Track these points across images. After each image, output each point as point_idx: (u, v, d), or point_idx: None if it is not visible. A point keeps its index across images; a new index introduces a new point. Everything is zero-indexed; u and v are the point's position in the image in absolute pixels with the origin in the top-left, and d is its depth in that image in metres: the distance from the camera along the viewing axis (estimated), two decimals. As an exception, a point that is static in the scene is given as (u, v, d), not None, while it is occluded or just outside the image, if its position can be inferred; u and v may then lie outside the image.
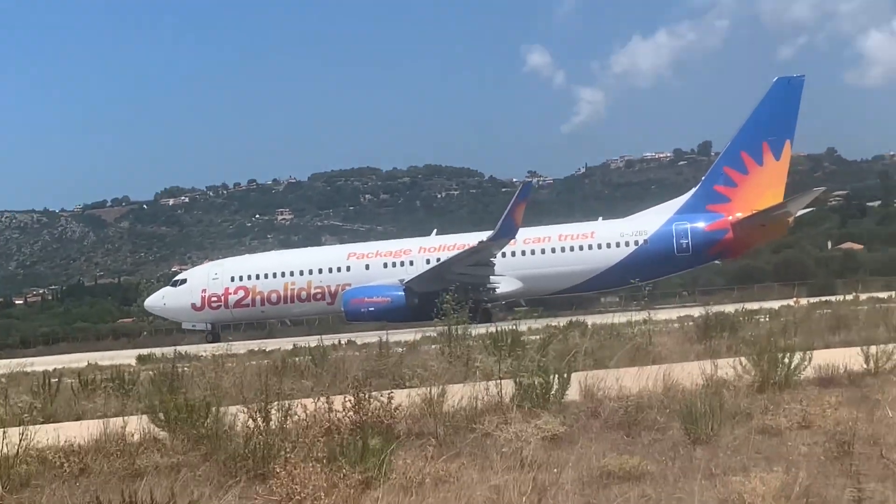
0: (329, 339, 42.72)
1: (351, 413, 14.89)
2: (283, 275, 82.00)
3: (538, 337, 29.14)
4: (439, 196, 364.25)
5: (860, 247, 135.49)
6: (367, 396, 15.15)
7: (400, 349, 33.75)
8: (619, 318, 33.62)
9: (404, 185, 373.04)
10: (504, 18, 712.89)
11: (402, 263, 79.77)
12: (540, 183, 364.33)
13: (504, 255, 78.45)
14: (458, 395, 17.13)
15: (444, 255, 78.61)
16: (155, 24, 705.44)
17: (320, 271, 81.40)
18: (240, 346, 46.30)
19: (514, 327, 28.54)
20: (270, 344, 52.06)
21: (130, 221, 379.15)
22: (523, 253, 79.36)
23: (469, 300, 75.32)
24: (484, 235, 78.97)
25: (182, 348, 49.45)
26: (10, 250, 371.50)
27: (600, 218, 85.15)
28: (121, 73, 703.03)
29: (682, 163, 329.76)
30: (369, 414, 14.94)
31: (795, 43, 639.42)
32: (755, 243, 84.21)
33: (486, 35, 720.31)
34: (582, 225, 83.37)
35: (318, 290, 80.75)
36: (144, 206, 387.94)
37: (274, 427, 14.24)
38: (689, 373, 18.28)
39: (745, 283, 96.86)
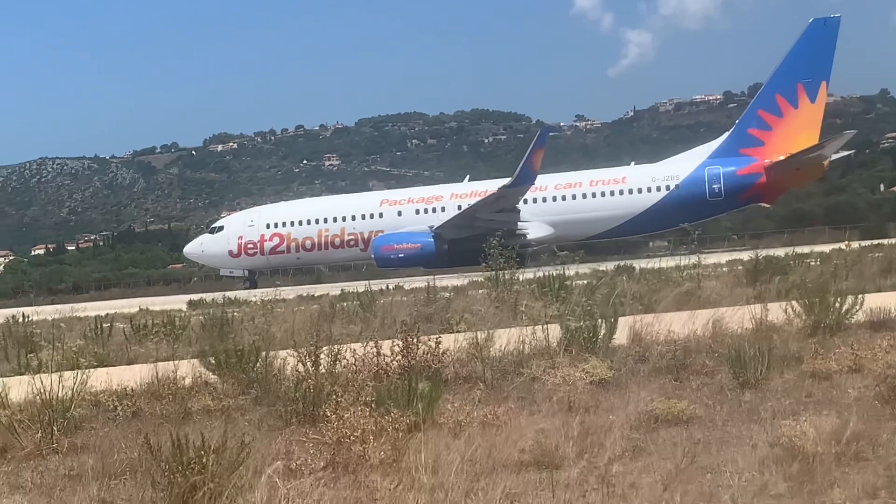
0: (377, 285, 42.89)
1: (399, 357, 14.96)
2: (316, 222, 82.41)
3: (585, 282, 29.11)
4: (486, 141, 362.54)
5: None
6: (415, 341, 15.20)
7: (447, 294, 33.84)
8: (667, 262, 33.49)
9: (451, 129, 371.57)
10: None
11: (434, 210, 79.83)
12: (588, 127, 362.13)
13: (535, 200, 78.60)
14: (505, 339, 17.17)
15: (476, 202, 78.27)
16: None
17: (353, 218, 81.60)
18: (289, 292, 46.62)
19: (562, 272, 28.50)
20: (319, 289, 52.30)
21: (180, 168, 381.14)
22: (554, 199, 79.28)
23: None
24: None
25: (232, 293, 49.88)
26: (62, 197, 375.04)
27: (632, 162, 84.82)
28: (169, 20, 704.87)
29: (731, 105, 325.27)
30: (417, 358, 15.00)
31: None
32: (789, 187, 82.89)
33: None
34: (614, 170, 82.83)
35: (352, 237, 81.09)
36: (193, 152, 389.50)
37: (323, 371, 14.34)
38: (739, 317, 18.17)
39: (795, 227, 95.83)
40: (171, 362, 17.63)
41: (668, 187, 76.72)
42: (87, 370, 14.71)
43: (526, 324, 18.94)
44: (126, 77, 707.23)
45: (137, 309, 41.77)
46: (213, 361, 16.78)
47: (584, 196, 78.82)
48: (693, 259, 32.37)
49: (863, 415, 11.32)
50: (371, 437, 10.65)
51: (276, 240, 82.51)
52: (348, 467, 10.48)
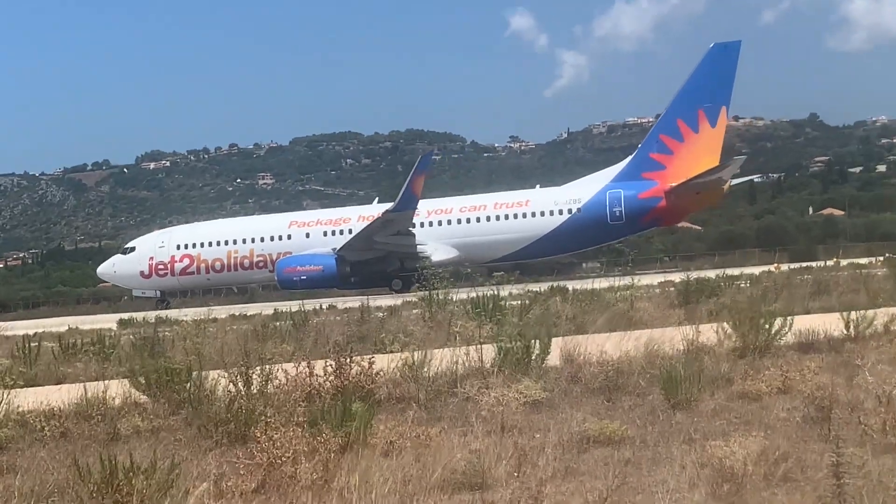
0: (310, 304, 42.70)
1: (332, 378, 14.89)
2: (226, 243, 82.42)
3: (519, 302, 29.20)
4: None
5: (841, 212, 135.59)
6: (348, 361, 15.14)
7: (381, 314, 33.77)
8: (600, 283, 33.69)
9: (386, 149, 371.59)
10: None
11: (342, 232, 79.65)
12: (522, 148, 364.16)
13: (440, 223, 79.25)
14: (438, 359, 17.15)
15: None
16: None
17: (262, 239, 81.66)
18: (221, 311, 46.27)
19: (495, 292, 28.55)
20: (251, 308, 52.03)
21: (111, 185, 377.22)
22: (458, 221, 79.66)
23: (398, 268, 77.28)
24: (424, 204, 79.63)
25: (163, 313, 49.37)
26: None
27: (538, 185, 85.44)
28: (102, 36, 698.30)
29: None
30: (350, 379, 14.94)
31: (778, 7, 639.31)
32: (690, 211, 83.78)
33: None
34: (518, 193, 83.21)
35: (261, 259, 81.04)
36: (125, 169, 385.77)
37: (255, 391, 14.24)
38: (671, 338, 18.34)
39: (726, 249, 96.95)
40: (100, 382, 17.41)
41: (570, 210, 77.11)
42: (13, 390, 14.47)
43: (460, 344, 18.95)
44: (56, 93, 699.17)
45: (66, 328, 41.22)
46: (144, 381, 16.59)
47: (489, 219, 79.09)
48: (626, 280, 32.59)
49: (791, 436, 11.47)
50: (303, 458, 10.59)
51: (187, 261, 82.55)
52: (279, 488, 10.40)
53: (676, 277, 38.29)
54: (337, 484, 10.29)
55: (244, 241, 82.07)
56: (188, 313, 41.23)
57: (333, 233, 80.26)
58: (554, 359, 17.93)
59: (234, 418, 13.27)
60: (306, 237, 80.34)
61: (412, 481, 10.33)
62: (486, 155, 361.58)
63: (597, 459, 11.19)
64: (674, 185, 74.28)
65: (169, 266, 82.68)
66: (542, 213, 77.68)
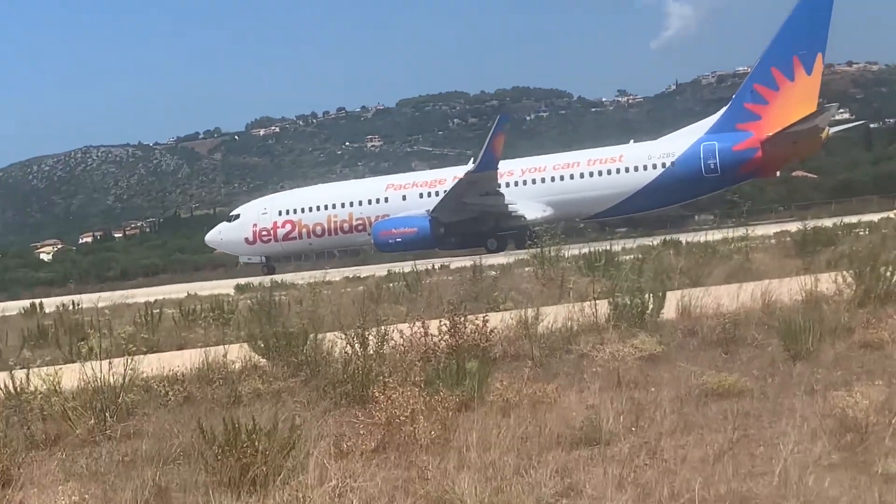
0: (422, 265, 42.93)
1: (447, 337, 14.95)
2: (326, 208, 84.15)
3: (632, 257, 28.98)
4: (528, 118, 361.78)
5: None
6: (462, 320, 15.19)
7: (493, 273, 33.81)
8: (714, 235, 33.22)
9: (492, 108, 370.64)
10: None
11: (438, 193, 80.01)
12: (629, 102, 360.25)
13: (534, 181, 79.38)
14: (552, 316, 17.12)
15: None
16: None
17: (360, 203, 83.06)
18: (335, 273, 46.77)
19: (608, 248, 28.38)
20: (365, 271, 52.46)
21: (223, 153, 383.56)
22: (552, 179, 79.60)
23: (493, 227, 77.62)
24: (519, 163, 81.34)
25: (278, 277, 50.09)
26: (108, 184, 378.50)
27: (631, 140, 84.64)
28: (210, 6, 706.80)
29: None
30: (465, 337, 14.98)
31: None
32: (787, 161, 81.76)
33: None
34: (611, 149, 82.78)
35: (360, 222, 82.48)
36: (236, 137, 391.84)
37: (371, 352, 14.37)
38: (788, 289, 18.01)
39: (842, 197, 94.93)
40: (220, 347, 17.73)
41: (664, 164, 76.49)
42: (137, 356, 14.82)
43: (573, 300, 18.88)
44: (169, 64, 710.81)
45: (185, 294, 42.11)
46: (262, 345, 16.86)
47: (582, 175, 78.97)
48: (740, 231, 32.06)
49: (916, 384, 11.19)
50: (421, 417, 10.67)
51: (289, 227, 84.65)
52: (399, 447, 10.50)
53: (792, 227, 37.58)
54: (455, 442, 10.35)
55: (343, 205, 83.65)
56: (303, 277, 41.76)
57: (429, 194, 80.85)
58: (669, 312, 17.78)
59: (351, 379, 13.41)
60: (402, 199, 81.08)
61: (530, 438, 10.34)
62: (593, 110, 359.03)
63: (715, 413, 11.06)
64: (769, 135, 72.80)
65: (272, 232, 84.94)
66: (636, 169, 77.35)
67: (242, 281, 52.69)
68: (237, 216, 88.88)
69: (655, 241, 42.20)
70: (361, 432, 10.80)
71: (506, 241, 78.30)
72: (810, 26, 72.91)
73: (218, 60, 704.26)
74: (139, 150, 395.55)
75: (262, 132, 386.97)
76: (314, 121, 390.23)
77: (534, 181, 79.51)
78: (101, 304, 34.77)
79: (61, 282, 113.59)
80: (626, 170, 77.59)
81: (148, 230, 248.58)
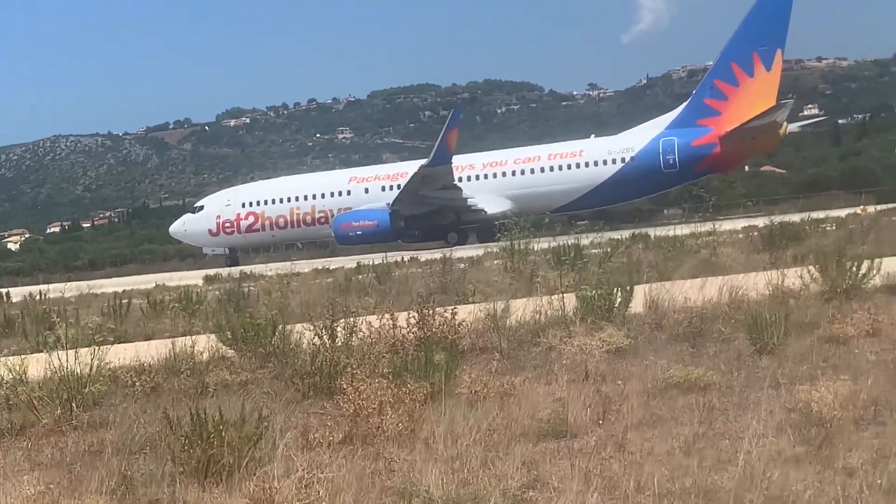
0: (392, 257, 42.89)
1: (415, 329, 14.97)
2: (289, 200, 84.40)
3: (600, 250, 29.06)
4: (499, 111, 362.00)
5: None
6: (430, 312, 15.20)
7: (462, 265, 33.82)
8: (682, 229, 33.39)
9: (463, 100, 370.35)
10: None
11: (400, 187, 79.88)
12: (600, 95, 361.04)
13: (495, 175, 79.84)
14: (521, 309, 17.16)
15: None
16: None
17: (323, 196, 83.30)
18: (304, 265, 46.68)
19: (577, 241, 28.45)
20: (334, 262, 52.39)
21: (193, 143, 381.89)
22: (514, 173, 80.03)
23: (454, 221, 78.27)
24: (479, 157, 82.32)
25: (247, 268, 49.97)
26: (77, 174, 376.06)
27: (592, 135, 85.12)
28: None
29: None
30: (433, 330, 15.00)
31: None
32: (746, 157, 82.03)
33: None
34: (572, 143, 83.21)
35: (322, 215, 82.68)
36: (206, 127, 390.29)
37: (340, 344, 14.36)
38: (755, 283, 18.11)
39: (810, 192, 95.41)
40: (188, 337, 17.68)
41: (623, 160, 76.81)
42: (104, 346, 14.75)
43: (542, 293, 18.92)
44: (139, 53, 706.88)
45: (154, 285, 41.92)
46: (230, 336, 16.82)
47: (542, 170, 79.36)
48: (708, 226, 32.24)
49: (880, 379, 11.29)
50: (388, 409, 10.68)
51: (252, 218, 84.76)
52: (366, 439, 10.51)
53: (760, 222, 37.76)
54: (422, 434, 10.36)
55: (306, 197, 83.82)
56: (272, 268, 41.65)
57: (392, 188, 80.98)
58: (637, 306, 17.84)
59: (319, 371, 13.41)
60: (365, 192, 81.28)
61: (497, 430, 10.36)
62: (564, 104, 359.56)
63: (682, 406, 11.12)
64: (728, 130, 73.11)
65: (235, 224, 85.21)
66: (596, 163, 77.67)
67: (211, 272, 52.48)
68: (201, 208, 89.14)
69: (624, 234, 42.32)
70: (329, 424, 10.80)
71: (466, 235, 78.82)
72: (770, 22, 73.17)
73: (189, 50, 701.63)
74: (109, 140, 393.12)
75: (232, 123, 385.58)
76: (285, 112, 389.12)
77: (494, 175, 79.99)
78: (68, 294, 34.60)
79: (28, 271, 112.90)
80: (586, 164, 77.95)
81: (117, 220, 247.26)
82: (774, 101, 73.02)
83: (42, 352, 16.51)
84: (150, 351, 16.54)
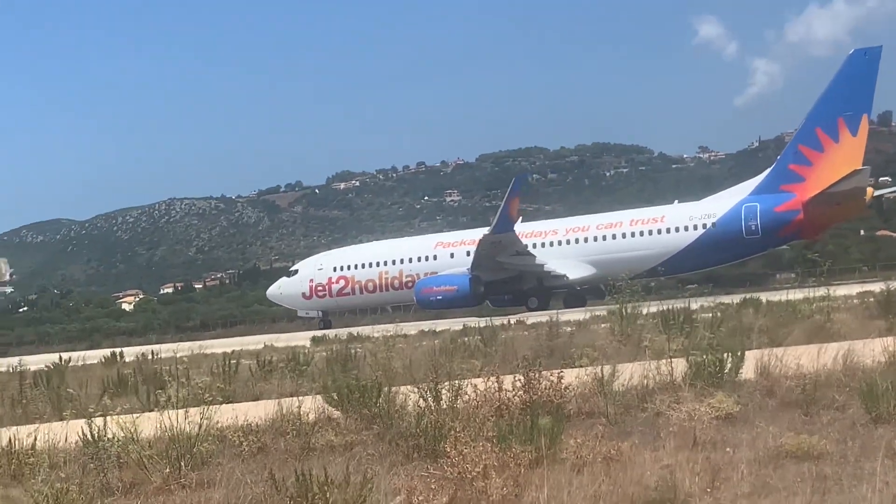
0: (498, 320, 42.82)
1: (521, 392, 14.86)
2: (377, 264, 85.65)
3: (710, 315, 28.65)
4: (608, 174, 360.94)
5: None
6: (536, 376, 15.10)
7: (569, 329, 33.61)
8: (795, 294, 32.75)
9: (572, 163, 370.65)
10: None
11: None
12: (711, 158, 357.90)
13: (577, 241, 79.94)
14: (628, 374, 16.95)
15: (527, 243, 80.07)
16: (322, 12, 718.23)
17: (410, 260, 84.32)
18: (410, 327, 46.84)
19: (686, 305, 28.09)
20: (440, 325, 52.50)
21: (303, 206, 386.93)
22: (595, 238, 79.92)
23: (535, 286, 78.83)
24: (563, 223, 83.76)
25: (355, 329, 50.33)
26: (190, 236, 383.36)
27: (676, 201, 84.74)
28: (295, 63, 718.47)
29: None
30: (539, 393, 14.89)
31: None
32: (831, 223, 79.84)
33: (656, 7, 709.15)
34: (654, 209, 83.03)
35: (409, 279, 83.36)
36: (316, 190, 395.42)
37: (444, 406, 14.33)
38: (871, 350, 17.65)
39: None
40: (295, 398, 17.80)
41: (704, 225, 76.01)
42: (213, 406, 14.93)
43: (650, 358, 18.68)
44: (253, 119, 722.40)
45: (263, 345, 42.40)
46: (336, 397, 16.90)
47: (624, 235, 79.06)
48: (821, 291, 31.56)
49: None
50: (493, 473, 10.59)
51: (342, 282, 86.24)
52: (470, 503, 10.42)
53: (876, 287, 36.88)
54: (527, 499, 10.25)
55: (394, 262, 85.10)
56: (379, 329, 41.88)
57: None
58: (748, 372, 17.50)
59: (423, 433, 13.39)
60: (451, 257, 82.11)
61: (603, 497, 10.21)
62: (673, 166, 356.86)
63: (794, 475, 10.84)
64: (811, 196, 71.96)
65: (327, 287, 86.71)
66: (677, 229, 77.04)
67: (319, 333, 52.93)
68: (296, 271, 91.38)
69: (735, 299, 41.69)
70: (433, 487, 10.75)
71: (548, 300, 78.87)
72: (855, 87, 71.99)
73: (301, 115, 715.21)
74: (222, 203, 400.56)
75: (342, 186, 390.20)
76: (394, 175, 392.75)
77: (577, 241, 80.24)
78: (179, 354, 35.17)
79: (142, 331, 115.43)
80: (668, 230, 77.47)
81: (227, 281, 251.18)
82: (860, 166, 71.70)
83: (153, 411, 16.77)
84: (258, 411, 16.72)
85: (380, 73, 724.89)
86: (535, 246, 80.00)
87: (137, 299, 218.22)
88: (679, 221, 77.38)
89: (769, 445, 12.11)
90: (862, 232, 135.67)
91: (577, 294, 79.83)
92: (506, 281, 79.10)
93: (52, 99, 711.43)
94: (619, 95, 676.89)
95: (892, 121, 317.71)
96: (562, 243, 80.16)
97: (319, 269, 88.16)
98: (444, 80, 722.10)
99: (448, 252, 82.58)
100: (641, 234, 78.30)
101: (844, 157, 71.64)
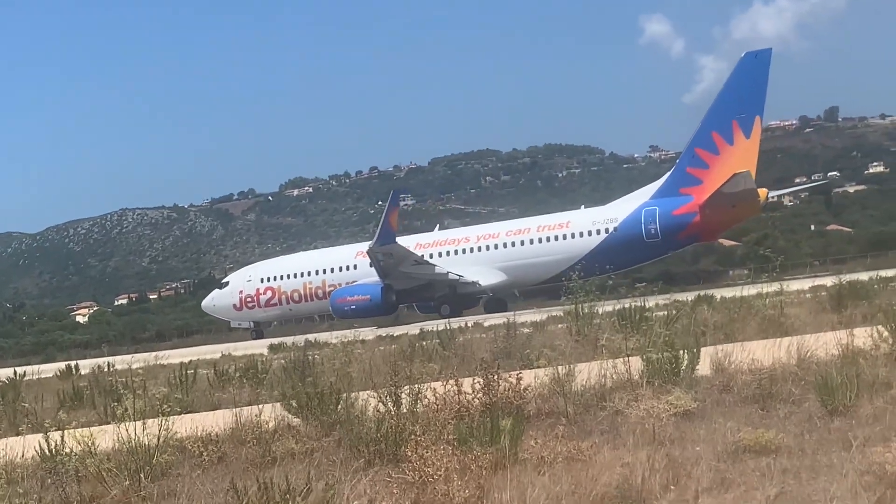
0: (456, 322, 42.89)
1: (480, 394, 14.90)
2: (302, 275, 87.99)
3: (665, 313, 28.83)
4: (560, 175, 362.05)
5: None
6: (495, 377, 15.13)
7: (526, 330, 33.71)
8: (748, 290, 33.05)
9: (524, 165, 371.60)
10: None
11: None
12: (662, 157, 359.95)
13: (488, 248, 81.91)
14: (586, 373, 17.03)
15: (438, 251, 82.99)
16: (273, 18, 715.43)
17: (332, 270, 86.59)
18: (367, 333, 46.80)
19: (641, 303, 28.24)
20: (398, 330, 52.50)
21: (257, 213, 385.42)
22: (504, 245, 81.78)
23: (448, 294, 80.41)
24: (475, 230, 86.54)
25: (312, 336, 50.20)
26: (143, 246, 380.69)
27: (582, 206, 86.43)
28: (243, 69, 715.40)
29: (808, 130, 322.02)
30: (499, 395, 14.93)
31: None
32: (728, 225, 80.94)
33: (603, 7, 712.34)
34: (560, 215, 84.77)
35: (332, 288, 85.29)
36: (270, 197, 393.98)
37: (404, 411, 14.33)
38: (824, 343, 17.85)
39: (878, 251, 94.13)
40: (254, 406, 17.74)
41: (607, 230, 77.71)
42: (171, 417, 14.85)
43: (607, 357, 18.78)
44: (203, 126, 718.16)
45: (220, 354, 42.23)
46: (295, 404, 16.86)
47: (531, 242, 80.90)
48: (774, 286, 31.84)
49: (957, 439, 11.03)
50: (455, 476, 10.61)
51: (269, 293, 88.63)
52: (433, 507, 10.43)
53: (828, 281, 37.28)
54: (490, 501, 10.28)
55: (317, 272, 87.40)
56: (336, 336, 41.79)
57: None
58: (704, 368, 17.64)
59: (384, 438, 13.39)
60: (370, 266, 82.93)
61: (566, 497, 10.26)
62: (625, 166, 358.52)
63: (753, 469, 10.94)
64: (705, 199, 72.94)
65: (255, 298, 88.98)
66: (581, 234, 78.92)
67: (276, 341, 52.79)
68: (227, 283, 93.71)
69: (689, 296, 41.97)
70: (395, 492, 10.75)
71: (461, 307, 79.62)
72: (748, 90, 73.46)
73: (252, 122, 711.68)
74: (174, 212, 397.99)
75: (295, 192, 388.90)
76: (347, 180, 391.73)
77: (488, 247, 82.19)
78: (135, 366, 34.95)
79: (96, 343, 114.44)
80: (573, 235, 79.21)
81: (183, 291, 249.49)
82: (755, 168, 72.81)
83: (110, 423, 16.65)
84: (217, 421, 16.63)
85: (330, 76, 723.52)
86: (448, 254, 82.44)
87: (92, 311, 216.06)
88: (583, 226, 79.13)
89: (728, 440, 12.22)
90: (812, 227, 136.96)
91: (497, 300, 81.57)
92: (416, 289, 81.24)
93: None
94: (570, 97, 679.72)
95: (838, 117, 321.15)
96: (473, 250, 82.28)
97: (248, 280, 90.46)
98: (395, 83, 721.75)
99: (367, 261, 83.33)
100: (548, 239, 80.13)
101: (739, 159, 73.13)
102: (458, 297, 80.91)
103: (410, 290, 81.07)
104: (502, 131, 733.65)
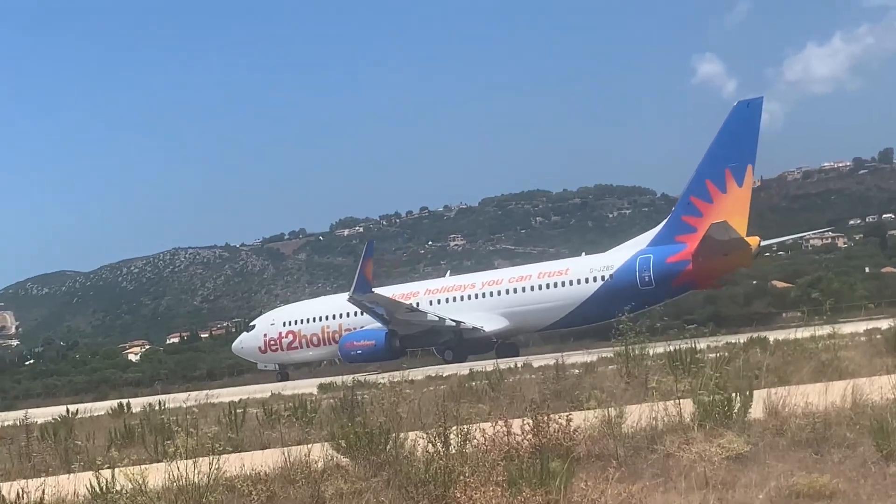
0: (505, 363, 42.77)
1: (529, 436, 14.82)
2: (320, 319, 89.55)
3: (717, 355, 28.59)
4: (611, 216, 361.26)
5: None
6: (545, 419, 15.05)
7: (576, 371, 33.55)
8: (801, 332, 32.70)
9: (575, 205, 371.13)
10: (672, 29, 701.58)
11: (418, 305, 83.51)
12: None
13: (492, 294, 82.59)
14: (636, 415, 16.89)
15: (446, 297, 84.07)
16: (323, 62, 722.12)
17: (348, 314, 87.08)
18: (417, 373, 46.78)
19: (692, 345, 28.04)
20: (447, 370, 52.44)
21: (307, 253, 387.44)
22: (507, 291, 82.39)
23: (452, 339, 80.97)
24: (480, 276, 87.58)
25: (361, 376, 50.28)
26: (195, 285, 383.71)
27: (583, 253, 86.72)
28: (295, 112, 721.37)
29: (862, 171, 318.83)
30: (548, 436, 14.85)
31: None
32: (721, 273, 79.92)
33: (654, 47, 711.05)
34: (561, 262, 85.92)
35: (348, 332, 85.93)
36: (320, 237, 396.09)
37: (453, 451, 14.28)
38: (879, 387, 17.61)
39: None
40: (303, 446, 17.75)
41: (603, 277, 77.88)
42: (221, 455, 14.89)
43: (657, 399, 18.64)
44: (256, 167, 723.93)
45: (269, 394, 42.35)
46: (344, 444, 16.85)
47: (532, 288, 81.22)
48: (828, 329, 31.48)
49: None
50: (504, 518, 10.55)
51: (291, 337, 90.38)
52: (482, 549, 10.37)
53: (883, 324, 36.79)
54: (539, 543, 10.20)
55: (334, 316, 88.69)
56: (385, 376, 41.84)
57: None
58: (757, 411, 17.44)
59: (433, 479, 13.34)
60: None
61: (615, 540, 10.16)
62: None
63: (807, 515, 10.79)
64: (696, 247, 72.85)
65: (279, 341, 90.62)
66: (579, 281, 79.24)
67: (325, 380, 52.87)
68: (254, 326, 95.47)
69: (741, 338, 41.61)
70: (444, 533, 10.70)
71: (467, 353, 79.76)
72: (740, 138, 73.39)
73: (304, 163, 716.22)
74: (226, 252, 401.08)
75: (346, 232, 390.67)
76: (397, 220, 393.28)
77: (491, 294, 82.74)
78: (186, 404, 35.11)
79: (149, 382, 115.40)
80: (571, 283, 79.56)
81: (234, 330, 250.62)
82: (746, 216, 72.64)
83: (161, 461, 16.72)
84: (266, 460, 16.66)
85: (380, 117, 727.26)
86: (455, 299, 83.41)
87: (144, 350, 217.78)
88: (581, 274, 79.57)
89: (781, 485, 12.07)
90: (867, 269, 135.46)
91: (508, 345, 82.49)
92: (420, 335, 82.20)
93: (53, 151, 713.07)
94: (621, 137, 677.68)
95: (893, 158, 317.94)
96: (478, 296, 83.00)
97: (272, 324, 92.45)
98: (446, 124, 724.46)
99: None
100: (548, 286, 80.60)
101: (731, 207, 73.12)
102: (463, 342, 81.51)
103: (414, 336, 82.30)
104: (553, 172, 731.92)
